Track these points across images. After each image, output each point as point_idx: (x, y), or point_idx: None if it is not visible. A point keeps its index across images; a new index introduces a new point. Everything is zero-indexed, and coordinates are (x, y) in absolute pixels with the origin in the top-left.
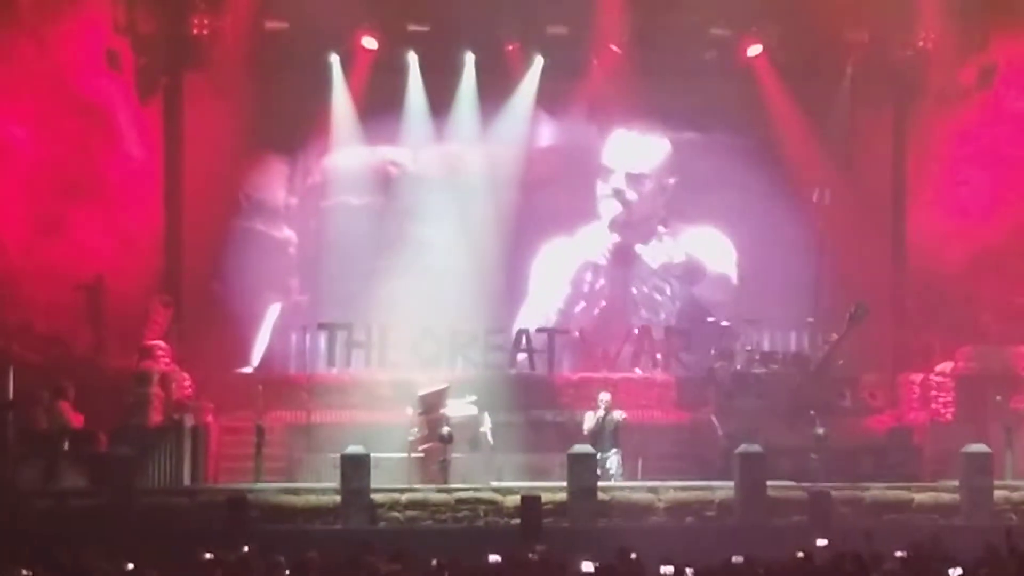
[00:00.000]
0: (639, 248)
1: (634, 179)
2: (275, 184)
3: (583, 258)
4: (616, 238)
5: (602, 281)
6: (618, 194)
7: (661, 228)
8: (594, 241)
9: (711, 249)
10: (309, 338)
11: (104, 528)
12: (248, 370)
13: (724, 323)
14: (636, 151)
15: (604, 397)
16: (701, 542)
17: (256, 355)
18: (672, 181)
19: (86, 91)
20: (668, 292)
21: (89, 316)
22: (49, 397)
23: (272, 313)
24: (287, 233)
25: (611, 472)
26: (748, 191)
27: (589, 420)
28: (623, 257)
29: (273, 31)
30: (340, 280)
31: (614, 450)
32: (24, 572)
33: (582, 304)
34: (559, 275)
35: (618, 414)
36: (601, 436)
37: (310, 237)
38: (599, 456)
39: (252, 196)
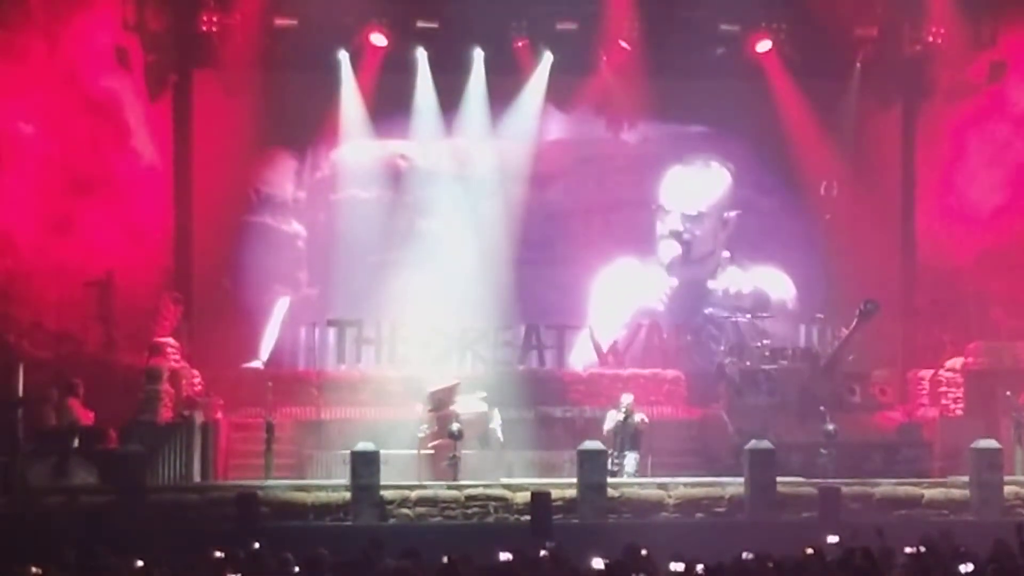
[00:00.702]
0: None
1: (692, 219)
2: (284, 179)
3: (640, 304)
4: (674, 281)
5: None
6: (676, 235)
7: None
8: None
9: (772, 278)
10: (319, 334)
11: (114, 525)
12: (257, 364)
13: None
14: (692, 188)
15: (626, 399)
16: (711, 538)
17: (265, 349)
18: (734, 215)
19: (96, 88)
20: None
21: (99, 313)
22: (59, 394)
23: (282, 308)
24: (296, 227)
25: (627, 471)
26: (755, 186)
27: (610, 420)
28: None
29: (282, 28)
30: (349, 274)
31: (633, 453)
32: (34, 570)
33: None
34: (616, 313)
35: (639, 417)
36: (621, 437)
37: (319, 231)
38: (615, 455)
39: (261, 191)
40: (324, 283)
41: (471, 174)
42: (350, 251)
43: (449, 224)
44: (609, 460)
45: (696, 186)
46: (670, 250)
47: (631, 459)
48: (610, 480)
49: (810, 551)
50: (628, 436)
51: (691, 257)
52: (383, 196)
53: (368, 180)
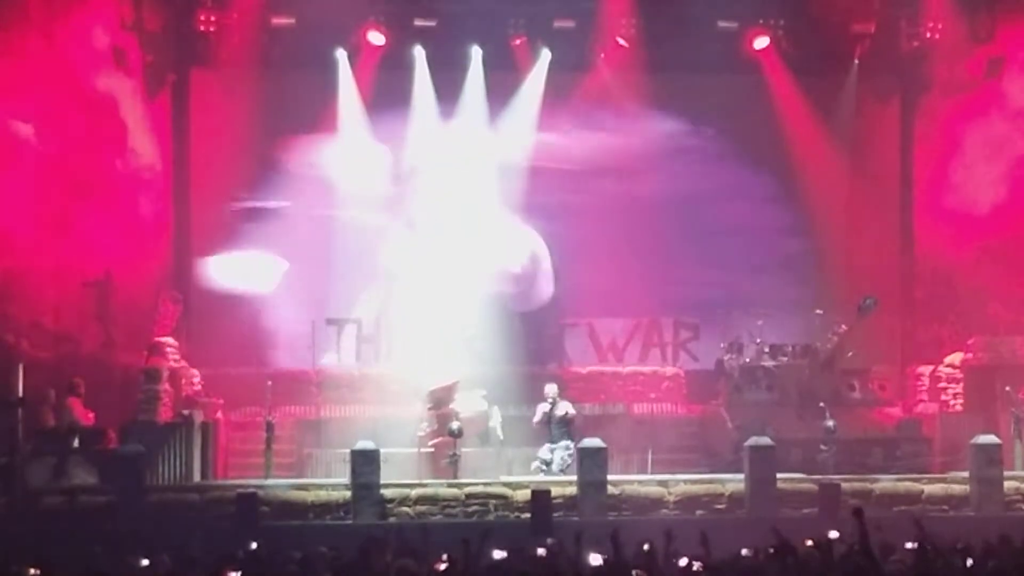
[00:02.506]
0: None
1: None
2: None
3: None
4: None
5: None
6: None
7: None
8: None
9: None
10: (318, 333)
11: (114, 525)
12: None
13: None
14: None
15: (550, 389)
16: (712, 535)
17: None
18: None
19: (94, 88)
20: None
21: (97, 313)
22: (59, 394)
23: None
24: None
25: (552, 466)
26: (753, 182)
27: (538, 412)
28: None
29: (280, 27)
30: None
31: (564, 443)
32: (32, 572)
33: None
34: None
35: (566, 406)
36: (549, 428)
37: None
38: (547, 447)
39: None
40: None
41: (468, 172)
42: (678, 248)
43: (446, 221)
44: (542, 450)
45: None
46: None
47: (560, 452)
48: (611, 477)
49: (809, 543)
50: (556, 427)
51: None
52: (712, 193)
53: (695, 178)
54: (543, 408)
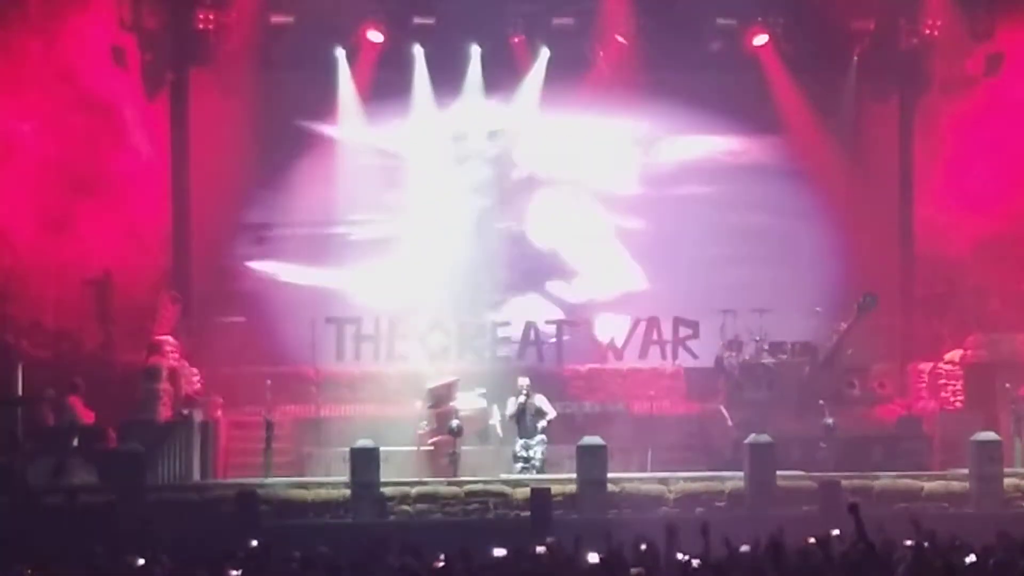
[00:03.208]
0: None
1: None
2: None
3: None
4: None
5: None
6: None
7: None
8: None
9: None
10: (317, 332)
11: (114, 524)
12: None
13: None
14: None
15: (522, 382)
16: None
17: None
18: None
19: (93, 88)
20: None
21: (97, 312)
22: (59, 393)
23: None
24: (635, 223)
25: (534, 462)
26: (754, 182)
27: (511, 405)
28: None
29: (278, 25)
30: (681, 269)
31: (540, 438)
32: (28, 572)
33: None
34: None
35: (539, 400)
36: (523, 422)
37: (658, 225)
38: (522, 443)
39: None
40: (664, 279)
41: (465, 170)
42: (678, 246)
43: (446, 219)
44: (517, 446)
45: None
46: None
47: (539, 448)
48: (611, 476)
49: (811, 540)
50: (530, 420)
51: None
52: (714, 192)
53: (697, 176)
54: (516, 401)
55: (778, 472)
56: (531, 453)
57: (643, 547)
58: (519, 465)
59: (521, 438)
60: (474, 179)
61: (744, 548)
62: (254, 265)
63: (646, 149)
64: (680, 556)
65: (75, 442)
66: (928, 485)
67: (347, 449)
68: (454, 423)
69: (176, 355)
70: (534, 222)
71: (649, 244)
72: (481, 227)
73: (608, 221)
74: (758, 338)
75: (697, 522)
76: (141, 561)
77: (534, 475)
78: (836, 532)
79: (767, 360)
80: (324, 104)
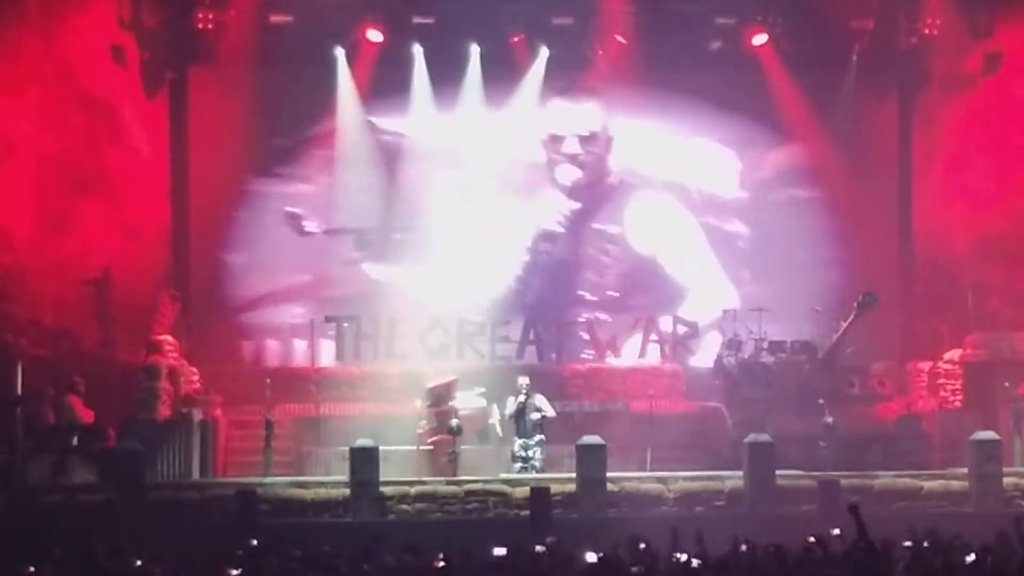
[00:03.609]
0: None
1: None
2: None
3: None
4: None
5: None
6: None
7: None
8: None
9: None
10: (316, 331)
11: (113, 523)
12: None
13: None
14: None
15: (522, 381)
16: (711, 531)
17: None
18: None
19: (92, 86)
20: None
21: (97, 311)
22: (58, 392)
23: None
24: (739, 227)
25: (533, 462)
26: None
27: (510, 405)
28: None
29: (277, 25)
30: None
31: (539, 437)
32: (31, 568)
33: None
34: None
35: (539, 399)
36: (522, 422)
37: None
38: (520, 442)
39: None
40: (769, 281)
41: (467, 169)
42: (786, 250)
43: (445, 218)
44: (515, 445)
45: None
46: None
47: (538, 449)
48: (610, 475)
49: (811, 539)
50: (530, 420)
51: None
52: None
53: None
54: (516, 400)
55: (778, 471)
56: (530, 453)
57: (642, 546)
58: (518, 465)
59: (520, 438)
60: (568, 181)
61: (744, 548)
62: None
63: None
64: (677, 556)
65: (75, 441)
66: (928, 484)
67: (347, 448)
68: (454, 422)
69: (175, 354)
70: (631, 225)
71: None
72: (576, 229)
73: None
74: (757, 337)
75: (695, 523)
76: (139, 562)
77: (533, 475)
78: (836, 532)
79: (766, 359)
80: (323, 103)
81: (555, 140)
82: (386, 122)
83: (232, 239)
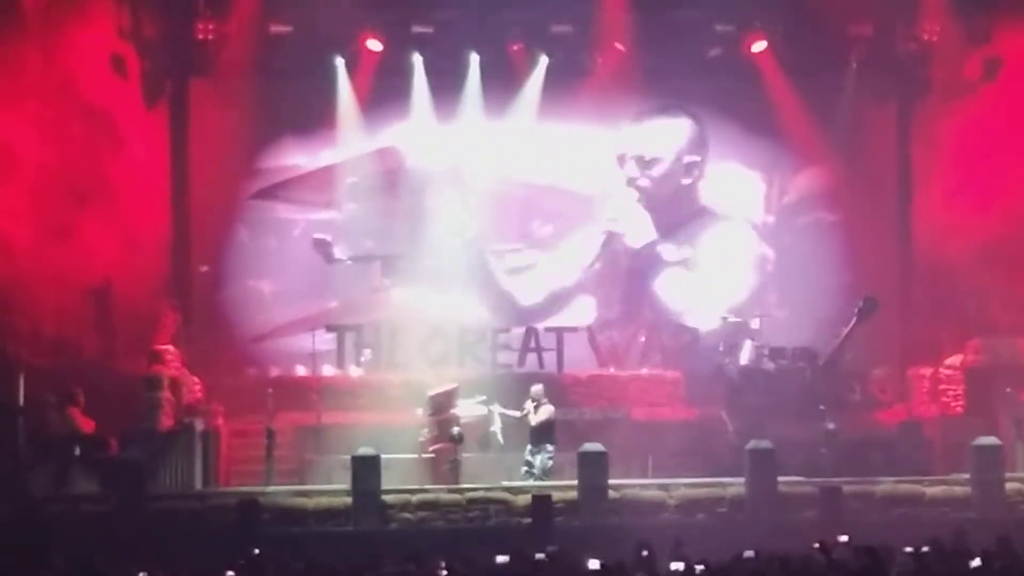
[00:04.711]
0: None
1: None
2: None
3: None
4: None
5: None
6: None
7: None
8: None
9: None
10: (317, 340)
11: (116, 533)
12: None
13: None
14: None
15: (535, 389)
16: (713, 538)
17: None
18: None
19: (92, 97)
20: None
21: (97, 321)
22: (58, 403)
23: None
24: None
25: (534, 469)
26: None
27: (523, 411)
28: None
29: (277, 35)
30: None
31: (546, 446)
32: None
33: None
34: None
35: (550, 408)
36: (532, 430)
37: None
38: (529, 448)
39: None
40: (793, 305)
41: (467, 178)
42: (814, 274)
43: (445, 227)
44: (526, 451)
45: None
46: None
47: (542, 455)
48: (611, 482)
49: (816, 545)
50: (540, 428)
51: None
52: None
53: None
54: (527, 407)
55: (779, 478)
56: (534, 459)
57: (644, 554)
58: (524, 469)
59: (530, 444)
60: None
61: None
62: None
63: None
64: (675, 566)
65: (76, 451)
66: (929, 490)
67: (348, 457)
68: (455, 430)
69: (177, 363)
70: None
71: None
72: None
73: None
74: (758, 343)
75: (698, 528)
76: (142, 574)
77: (533, 482)
78: (844, 538)
79: (767, 365)
80: (323, 113)
81: (638, 159)
82: (385, 136)
83: (235, 254)
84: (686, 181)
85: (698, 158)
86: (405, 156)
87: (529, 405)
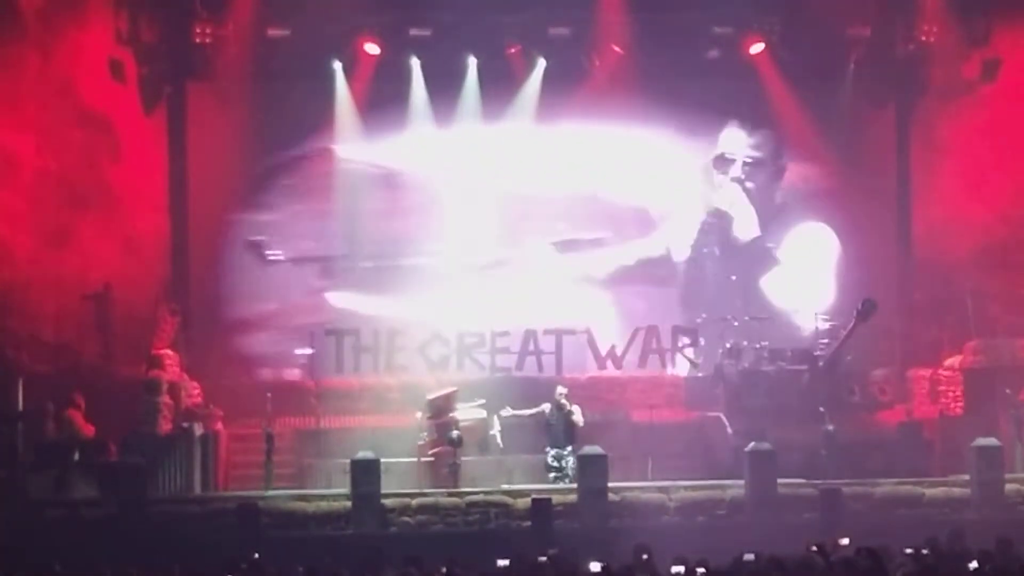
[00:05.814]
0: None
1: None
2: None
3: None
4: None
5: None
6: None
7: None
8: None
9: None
10: (316, 343)
11: (115, 537)
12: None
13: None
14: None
15: (560, 391)
16: (713, 540)
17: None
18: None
19: (90, 101)
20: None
21: (97, 325)
22: (58, 407)
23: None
24: None
25: (567, 471)
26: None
27: (542, 410)
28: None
29: (275, 38)
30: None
31: (570, 448)
32: None
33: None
34: None
35: (575, 409)
36: (554, 431)
37: None
38: (553, 452)
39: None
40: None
41: (463, 181)
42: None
43: (443, 231)
44: (548, 456)
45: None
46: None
47: (571, 457)
48: (611, 485)
49: (814, 548)
50: (563, 430)
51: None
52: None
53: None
54: (550, 408)
55: (779, 480)
56: (563, 463)
57: (644, 557)
58: (552, 475)
59: (553, 447)
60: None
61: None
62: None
63: None
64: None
65: (76, 455)
66: (929, 491)
67: (348, 460)
68: (454, 434)
69: (176, 368)
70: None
71: None
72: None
73: None
74: (757, 345)
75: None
76: None
77: (567, 484)
78: (845, 541)
79: (767, 367)
80: (321, 116)
81: (723, 162)
82: (383, 146)
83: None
84: (775, 183)
85: (784, 160)
86: (339, 157)
87: (548, 406)
